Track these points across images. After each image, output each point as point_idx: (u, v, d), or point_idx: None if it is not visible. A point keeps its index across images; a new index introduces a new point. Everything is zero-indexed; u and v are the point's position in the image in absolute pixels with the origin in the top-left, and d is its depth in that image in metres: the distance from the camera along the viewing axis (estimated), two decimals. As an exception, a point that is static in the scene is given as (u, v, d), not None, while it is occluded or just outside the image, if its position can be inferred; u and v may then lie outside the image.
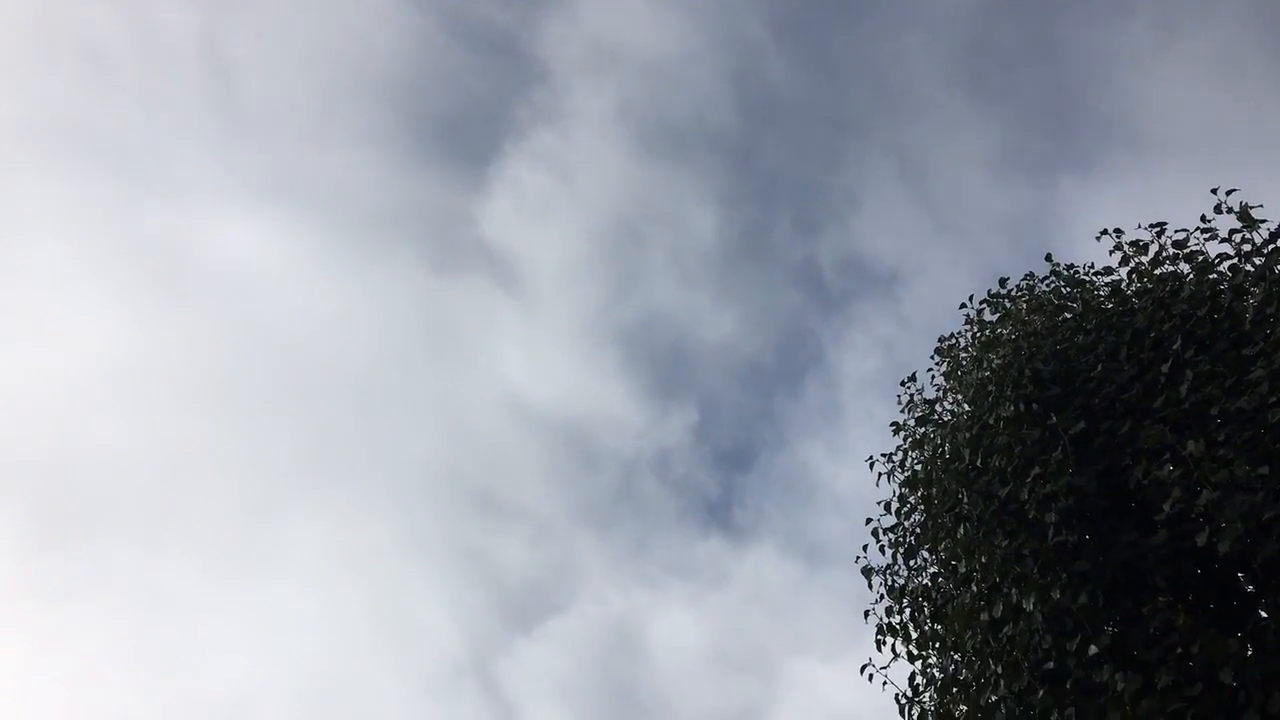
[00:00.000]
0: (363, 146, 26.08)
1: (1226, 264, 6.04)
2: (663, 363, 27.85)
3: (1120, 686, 4.83)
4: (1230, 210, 6.04)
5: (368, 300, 26.63)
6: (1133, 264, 6.62)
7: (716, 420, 27.25)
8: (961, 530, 6.15)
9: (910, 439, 7.32)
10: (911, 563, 6.96)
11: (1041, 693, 5.26)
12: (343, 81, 25.31)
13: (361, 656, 23.47)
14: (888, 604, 7.01)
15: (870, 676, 6.74)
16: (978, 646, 5.91)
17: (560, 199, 26.65)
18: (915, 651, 6.73)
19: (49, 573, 22.64)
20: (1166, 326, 5.93)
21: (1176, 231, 6.38)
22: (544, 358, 27.59)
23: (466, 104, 26.49)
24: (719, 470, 26.70)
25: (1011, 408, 6.14)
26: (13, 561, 22.39)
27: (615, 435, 26.40)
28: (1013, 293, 7.34)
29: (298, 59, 25.08)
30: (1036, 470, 5.77)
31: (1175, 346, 5.74)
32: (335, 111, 25.59)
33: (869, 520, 7.24)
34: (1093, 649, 5.07)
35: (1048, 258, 7.27)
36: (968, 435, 6.42)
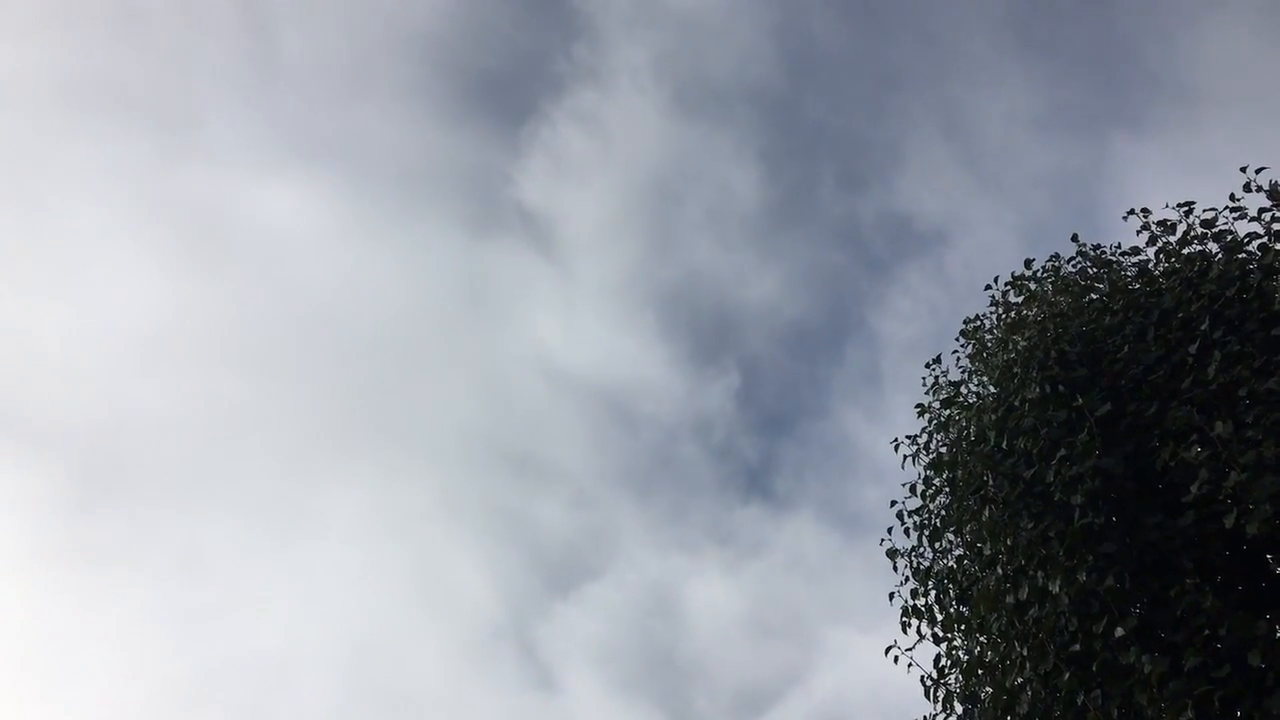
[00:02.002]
0: (400, 103, 25.94)
1: (1256, 243, 6.00)
2: (703, 326, 27.67)
3: (1147, 669, 4.84)
4: (1260, 189, 6.01)
5: (405, 262, 26.66)
6: (1160, 244, 6.59)
7: (758, 385, 27.14)
8: (987, 512, 6.17)
9: (935, 421, 7.32)
10: (937, 545, 6.95)
11: (1067, 675, 5.27)
12: (381, 36, 25.11)
13: (400, 619, 23.77)
14: (913, 586, 7.03)
15: (895, 659, 6.76)
16: (1003, 629, 5.91)
17: (597, 158, 26.42)
18: (941, 634, 6.74)
19: (90, 535, 23.01)
20: (1194, 307, 5.91)
21: (1205, 210, 6.35)
22: (581, 321, 27.51)
23: (506, 59, 26.29)
24: (760, 436, 26.63)
25: (1037, 389, 6.14)
26: (54, 523, 22.77)
27: (654, 400, 26.38)
28: (1038, 273, 7.31)
29: (336, 13, 24.91)
30: (1062, 452, 5.77)
31: (1203, 327, 5.72)
32: (373, 67, 25.44)
33: (894, 503, 7.29)
34: (1119, 631, 5.06)
35: (1074, 238, 7.26)
36: (993, 417, 6.42)
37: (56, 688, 20.84)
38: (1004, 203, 24.79)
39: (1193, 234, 6.40)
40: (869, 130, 26.25)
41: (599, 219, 27.24)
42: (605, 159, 26.59)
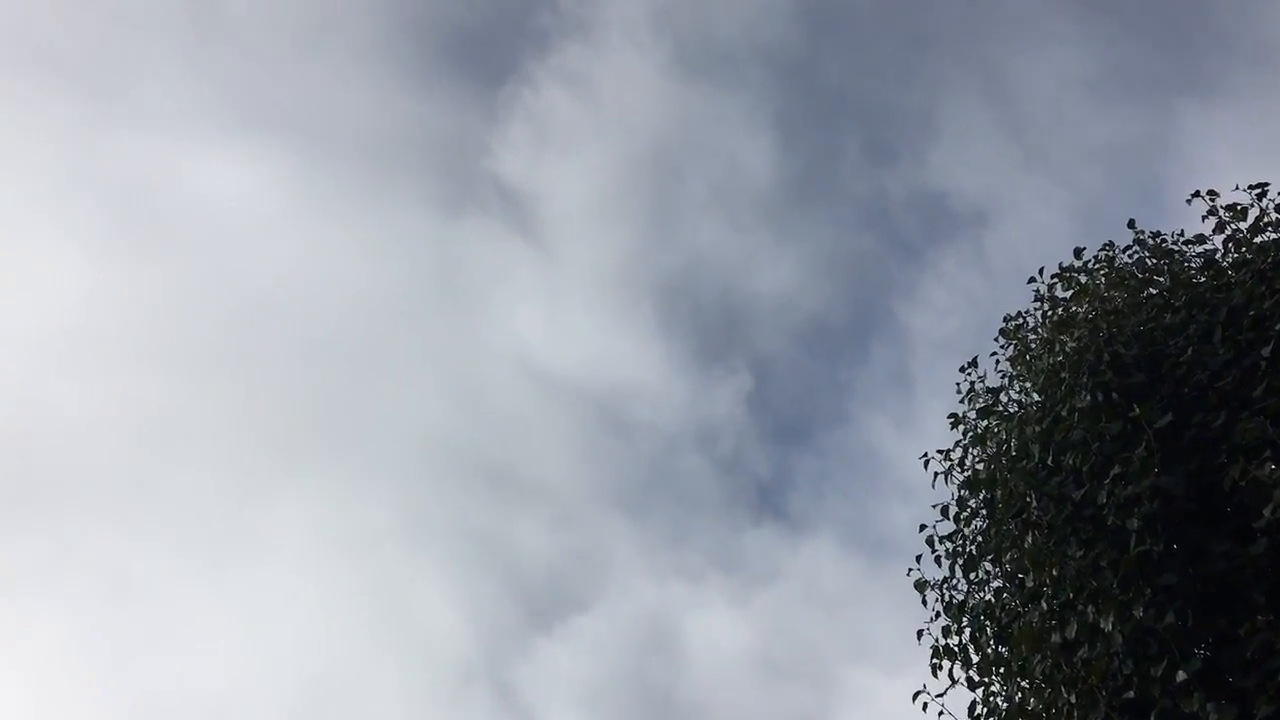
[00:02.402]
0: (360, 63, 25.66)
1: (1339, 231, 5.97)
2: (708, 320, 27.31)
3: (1213, 718, 4.79)
4: (1343, 168, 5.93)
5: (365, 245, 26.22)
6: (1229, 231, 6.53)
7: (771, 388, 26.80)
8: (1030, 539, 6.15)
9: (971, 434, 7.30)
10: (972, 576, 6.95)
11: (1121, 726, 5.24)
12: (336, -13, 25.05)
13: (358, 656, 23.39)
14: (944, 623, 7.01)
15: (925, 705, 6.71)
16: (1048, 672, 5.89)
17: (587, 126, 26.03)
18: (976, 678, 6.72)
19: (3, 555, 22.77)
20: (1268, 304, 5.84)
21: (1280, 194, 6.32)
22: (567, 314, 27.12)
23: (481, 11, 26.03)
24: (773, 447, 26.29)
25: (1088, 397, 6.11)
26: None
27: (651, 405, 26.06)
28: (1089, 264, 7.25)
29: (285, -38, 24.78)
30: (1116, 469, 5.73)
31: (1278, 326, 5.67)
32: (329, 22, 25.24)
33: (923, 527, 7.24)
34: (1181, 675, 5.02)
35: (1130, 224, 7.17)
36: (1037, 429, 6.39)
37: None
38: (1053, 179, 24.38)
39: (1266, 220, 6.36)
40: (898, 96, 25.90)
41: (588, 196, 26.84)
42: (596, 127, 26.22)
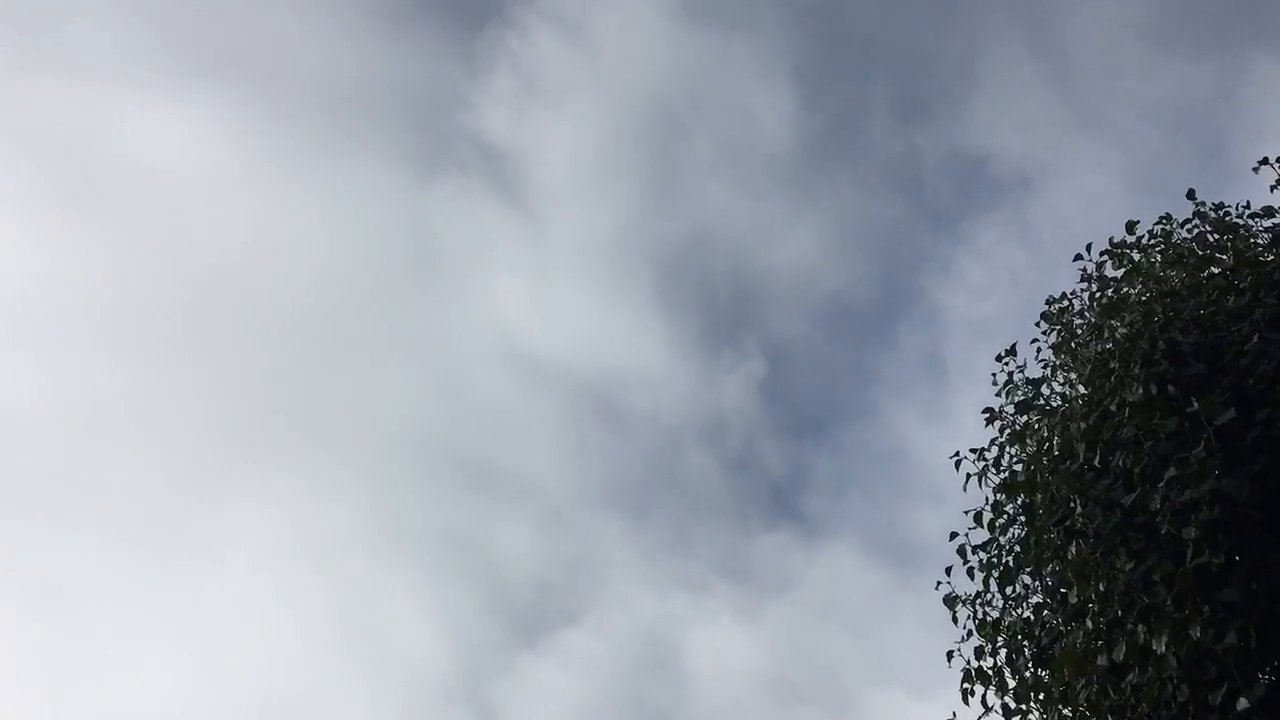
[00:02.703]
0: (324, 4, 25.32)
1: None
2: (717, 298, 26.94)
3: (1278, 752, 4.77)
4: None
5: (330, 211, 25.62)
6: (1302, 203, 6.54)
7: (787, 376, 26.51)
8: (1074, 549, 6.10)
9: (1008, 431, 7.26)
10: (1008, 591, 6.92)
11: (1174, 759, 5.24)
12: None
13: (323, 674, 23.17)
14: (977, 643, 6.99)
15: (956, 737, 6.76)
16: (1093, 699, 5.90)
17: (580, 76, 25.48)
18: (1012, 705, 6.71)
19: None
20: (1345, 285, 5.85)
21: (1361, 160, 6.26)
22: (558, 290, 26.68)
23: None
24: (789, 442, 26.03)
25: (1140, 390, 6.06)
26: None
27: (651, 394, 25.77)
28: (1143, 240, 7.22)
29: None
30: (1172, 471, 5.66)
31: (1356, 310, 5.64)
32: None
33: (953, 535, 7.19)
34: (1243, 703, 4.98)
35: (1190, 195, 7.11)
36: (1083, 426, 6.35)
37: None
38: (1107, 140, 23.94)
39: (1343, 190, 6.30)
40: (934, 44, 25.43)
41: (581, 157, 26.29)
42: (590, 78, 25.63)
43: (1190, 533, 5.43)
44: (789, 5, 25.64)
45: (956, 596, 7.19)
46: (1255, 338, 5.96)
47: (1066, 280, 7.61)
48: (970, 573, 7.12)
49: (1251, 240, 6.73)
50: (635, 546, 25.23)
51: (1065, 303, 7.54)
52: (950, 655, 7.04)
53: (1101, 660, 5.76)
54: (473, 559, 24.98)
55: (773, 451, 25.86)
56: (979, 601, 7.10)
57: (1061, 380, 7.28)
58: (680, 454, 25.87)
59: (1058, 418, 6.72)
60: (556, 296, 26.81)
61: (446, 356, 26.45)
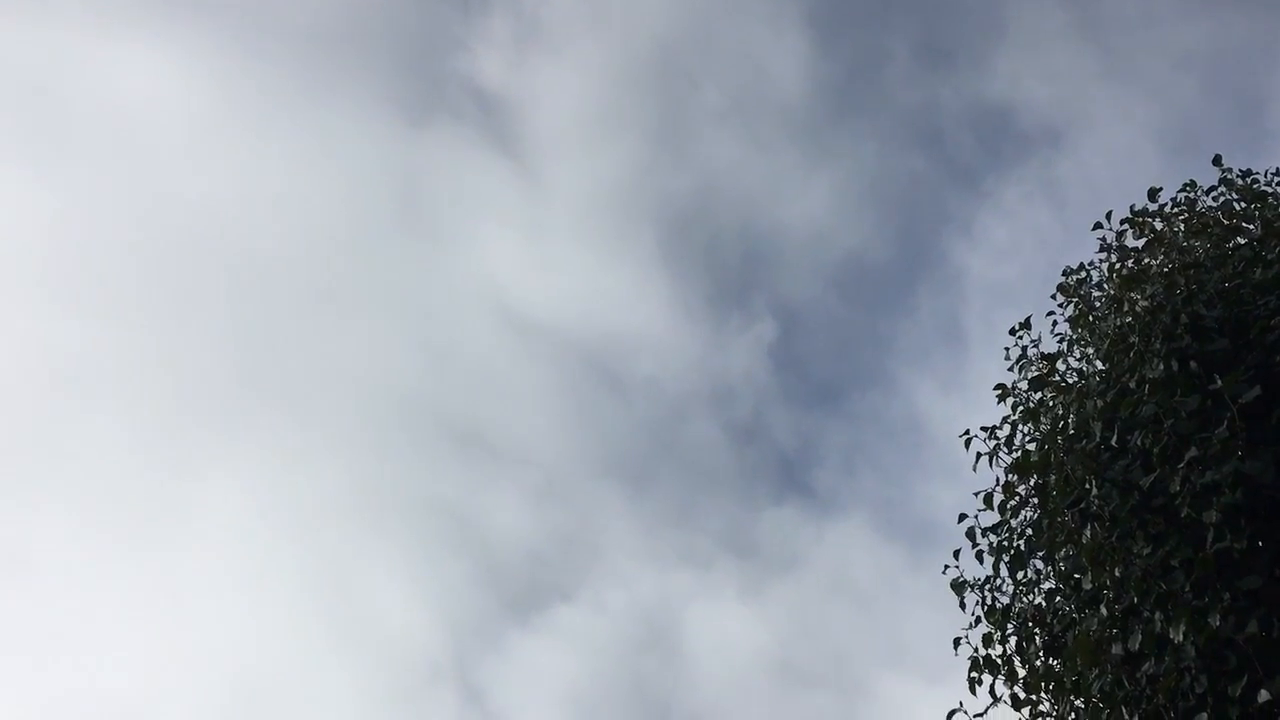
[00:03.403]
0: None
1: None
2: (724, 257, 26.35)
3: (1298, 747, 4.71)
4: None
5: (312, 158, 24.87)
6: (1336, 169, 6.51)
7: (799, 341, 26.04)
8: (1088, 532, 6.03)
9: (1022, 408, 7.19)
10: (1019, 576, 6.87)
11: (1191, 754, 5.17)
12: None
13: (301, 651, 22.79)
14: (986, 630, 6.94)
15: (961, 727, 6.76)
16: (1107, 689, 5.81)
17: (582, 20, 24.74)
18: (1022, 695, 6.67)
19: None
20: (1378, 256, 5.79)
21: (1396, 123, 6.05)
22: (555, 247, 25.98)
23: None
24: (799, 412, 25.63)
25: (1161, 366, 5.97)
26: None
27: (654, 359, 25.29)
28: (1166, 208, 7.15)
29: None
30: (1193, 452, 5.55)
31: (1390, 283, 5.58)
32: None
33: (962, 517, 7.11)
34: (1264, 695, 4.89)
35: (1216, 160, 7.01)
36: (1100, 403, 6.27)
37: None
38: (1139, 92, 23.33)
39: (1379, 156, 6.14)
40: None
41: (582, 105, 25.56)
42: (592, 21, 24.84)
43: (1211, 516, 5.34)
44: None
45: (965, 581, 7.12)
46: None
47: (1094, 241, 7.51)
48: (979, 557, 7.05)
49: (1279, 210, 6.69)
50: (635, 519, 24.91)
51: (1083, 274, 7.46)
52: (957, 642, 6.98)
53: (1116, 649, 5.68)
54: (462, 531, 24.59)
55: (782, 421, 25.53)
56: (988, 587, 7.04)
57: (1078, 355, 7.22)
58: (684, 423, 25.54)
59: (1074, 395, 6.64)
60: (554, 254, 26.24)
61: (435, 316, 25.90)
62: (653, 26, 25.44)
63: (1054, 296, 7.53)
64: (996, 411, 7.28)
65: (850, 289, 26.00)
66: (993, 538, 7.01)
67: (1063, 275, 7.54)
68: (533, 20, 24.66)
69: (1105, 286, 7.24)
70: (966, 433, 7.33)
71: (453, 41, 25.04)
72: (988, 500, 7.03)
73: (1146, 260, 6.92)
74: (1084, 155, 23.40)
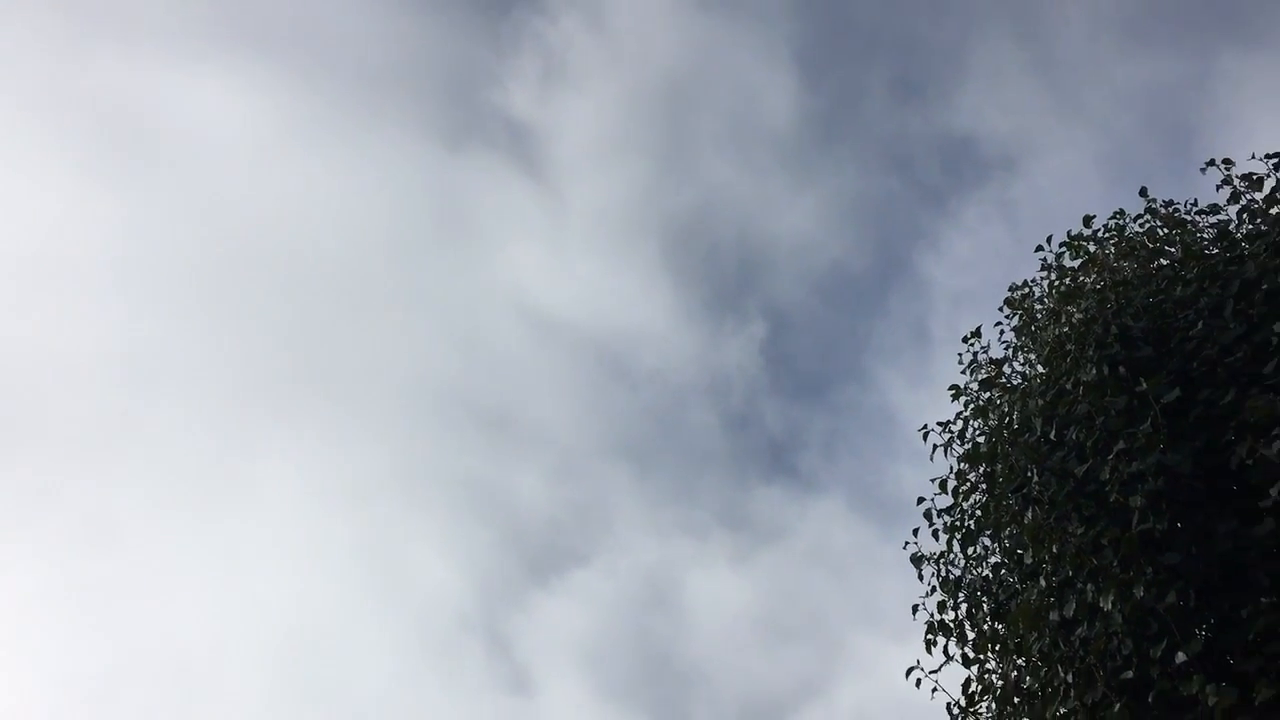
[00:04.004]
0: None
1: (1358, 203, 5.97)
2: (722, 265, 26.58)
3: (1212, 701, 4.78)
4: (1364, 139, 5.90)
5: (362, 178, 25.37)
6: (1244, 202, 6.51)
7: (788, 339, 26.38)
8: (1030, 514, 6.15)
9: (972, 405, 7.31)
10: (970, 551, 6.96)
11: (1118, 706, 5.25)
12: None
13: (347, 607, 23.23)
14: (940, 598, 7.03)
15: (918, 682, 6.74)
16: (1045, 650, 5.91)
17: (598, 58, 25.14)
18: (971, 655, 6.74)
19: None
20: (1282, 277, 5.82)
21: (1298, 163, 6.29)
22: (572, 255, 26.37)
23: None
24: (787, 401, 25.93)
25: (1094, 370, 6.10)
26: None
27: (658, 353, 25.60)
28: (1099, 233, 7.25)
29: None
30: (1121, 445, 5.72)
31: (1292, 301, 5.64)
32: None
33: (920, 500, 7.26)
34: (1181, 656, 5.02)
35: (1142, 192, 7.15)
36: (1040, 402, 6.39)
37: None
38: (1084, 125, 23.70)
39: (1283, 191, 6.31)
40: (928, 30, 25.04)
41: (597, 132, 25.92)
42: (607, 59, 25.24)
43: (1137, 501, 5.48)
44: None
45: (922, 555, 7.21)
46: (1199, 324, 5.99)
47: (1038, 260, 7.63)
48: (935, 534, 7.17)
49: (1198, 235, 6.74)
50: (641, 494, 25.31)
51: (1026, 289, 7.56)
52: (915, 609, 7.06)
53: (1053, 616, 5.79)
54: (489, 503, 25.00)
55: (771, 410, 25.93)
56: (943, 561, 7.12)
57: (1022, 360, 7.32)
58: (684, 410, 25.90)
59: (1018, 395, 6.75)
60: (571, 261, 26.73)
61: (468, 315, 26.32)
62: (659, 64, 25.95)
63: (1001, 309, 7.62)
64: (952, 407, 7.48)
65: (832, 294, 26.50)
66: (947, 518, 7.14)
67: (1009, 290, 7.61)
68: (557, 59, 25.13)
69: (1046, 301, 7.31)
70: (924, 427, 7.45)
71: (487, 77, 25.54)
72: (942, 485, 7.17)
73: (1081, 278, 7.00)
74: (1035, 180, 23.96)
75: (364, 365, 25.84)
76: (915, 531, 7.25)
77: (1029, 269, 7.46)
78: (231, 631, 22.42)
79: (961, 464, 7.13)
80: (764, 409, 25.88)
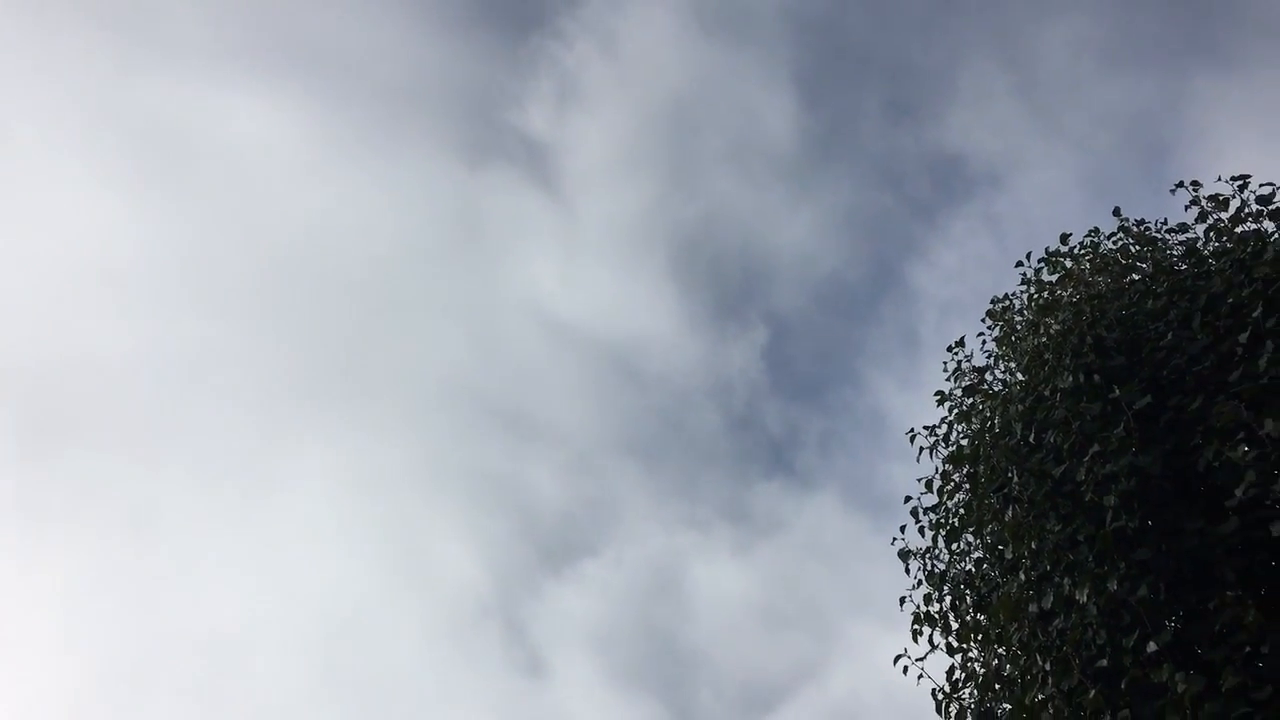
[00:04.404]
0: (387, 8, 25.23)
1: (1316, 223, 6.02)
2: (725, 275, 27.01)
3: (1181, 688, 4.84)
4: (1323, 163, 6.04)
5: (390, 191, 25.90)
6: (1210, 221, 6.61)
7: (788, 345, 26.66)
8: (1010, 512, 6.21)
9: (956, 410, 7.37)
10: (954, 546, 7.02)
11: (1093, 692, 5.28)
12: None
13: (374, 592, 23.67)
14: (926, 591, 7.10)
15: (905, 669, 6.82)
16: (1024, 640, 5.95)
17: (610, 80, 25.60)
18: (955, 644, 6.81)
19: (32, 488, 22.76)
20: (1246, 292, 5.91)
21: (1261, 186, 6.37)
22: (584, 265, 26.88)
23: None
24: (786, 403, 26.20)
25: (1070, 378, 6.16)
26: None
27: (665, 357, 25.90)
28: (1075, 250, 7.35)
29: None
30: (1095, 448, 5.78)
31: (1255, 314, 5.72)
32: None
33: (908, 498, 7.34)
34: (1152, 646, 5.07)
35: (1115, 211, 7.27)
36: (1020, 408, 6.45)
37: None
38: (1066, 143, 24.16)
39: (1247, 211, 6.41)
40: (920, 55, 25.48)
41: (608, 150, 26.41)
42: (618, 81, 25.75)
43: (1110, 500, 5.54)
44: (792, 20, 26.00)
45: (909, 551, 7.28)
46: (1169, 335, 6.07)
47: (1018, 275, 7.69)
48: (921, 531, 7.23)
49: (1167, 252, 6.82)
50: (648, 489, 25.62)
51: (1007, 302, 7.62)
52: (903, 600, 7.14)
53: (1032, 608, 5.82)
54: (506, 495, 25.38)
55: (771, 411, 26.25)
56: (928, 555, 7.19)
57: (1002, 369, 7.37)
58: (689, 410, 26.19)
59: (999, 401, 6.79)
60: (584, 271, 27.18)
61: (487, 321, 26.79)
62: (667, 86, 26.42)
63: (984, 320, 7.66)
64: (938, 412, 7.54)
65: (829, 302, 26.85)
66: (932, 516, 7.19)
67: (991, 303, 7.67)
68: (571, 81, 25.58)
69: (1025, 313, 7.36)
70: (911, 431, 7.49)
71: (507, 98, 26.01)
72: (928, 485, 7.23)
73: (1059, 292, 7.07)
74: (1019, 195, 24.38)
75: (391, 367, 26.30)
76: (903, 528, 7.33)
77: (1013, 280, 7.55)
78: (267, 613, 22.94)
79: (946, 465, 7.18)
80: (764, 410, 26.19)
